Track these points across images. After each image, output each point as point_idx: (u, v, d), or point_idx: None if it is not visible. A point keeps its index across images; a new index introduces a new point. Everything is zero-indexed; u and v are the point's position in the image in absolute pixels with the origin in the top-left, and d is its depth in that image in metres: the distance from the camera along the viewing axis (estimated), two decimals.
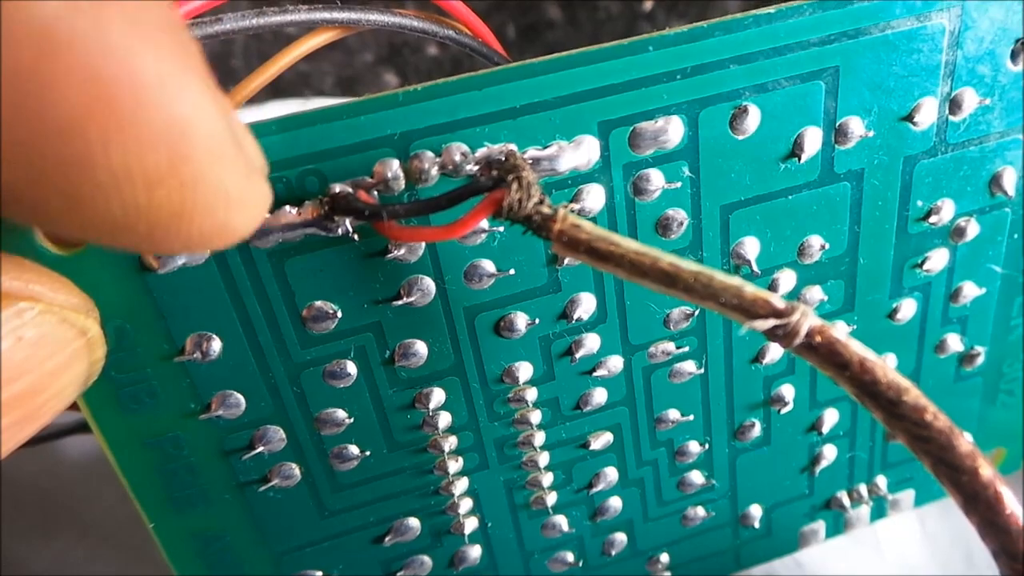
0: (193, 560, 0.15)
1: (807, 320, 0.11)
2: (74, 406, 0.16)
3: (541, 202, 0.12)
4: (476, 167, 0.12)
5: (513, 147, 0.13)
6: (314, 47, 0.13)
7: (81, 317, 0.11)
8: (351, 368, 0.14)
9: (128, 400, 0.13)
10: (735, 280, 0.11)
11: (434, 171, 0.12)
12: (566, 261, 0.14)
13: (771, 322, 0.11)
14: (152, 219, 0.08)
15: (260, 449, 0.14)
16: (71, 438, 0.17)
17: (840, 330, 0.12)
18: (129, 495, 0.14)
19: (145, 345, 0.13)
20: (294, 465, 0.15)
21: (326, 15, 0.13)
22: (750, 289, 0.11)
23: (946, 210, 0.16)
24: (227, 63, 0.21)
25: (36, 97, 0.07)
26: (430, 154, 0.12)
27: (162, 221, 0.08)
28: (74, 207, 0.07)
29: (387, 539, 0.16)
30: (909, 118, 0.15)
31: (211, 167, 0.08)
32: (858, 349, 0.12)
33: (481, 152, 0.12)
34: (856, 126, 0.14)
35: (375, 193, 0.12)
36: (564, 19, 0.23)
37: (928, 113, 0.15)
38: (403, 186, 0.12)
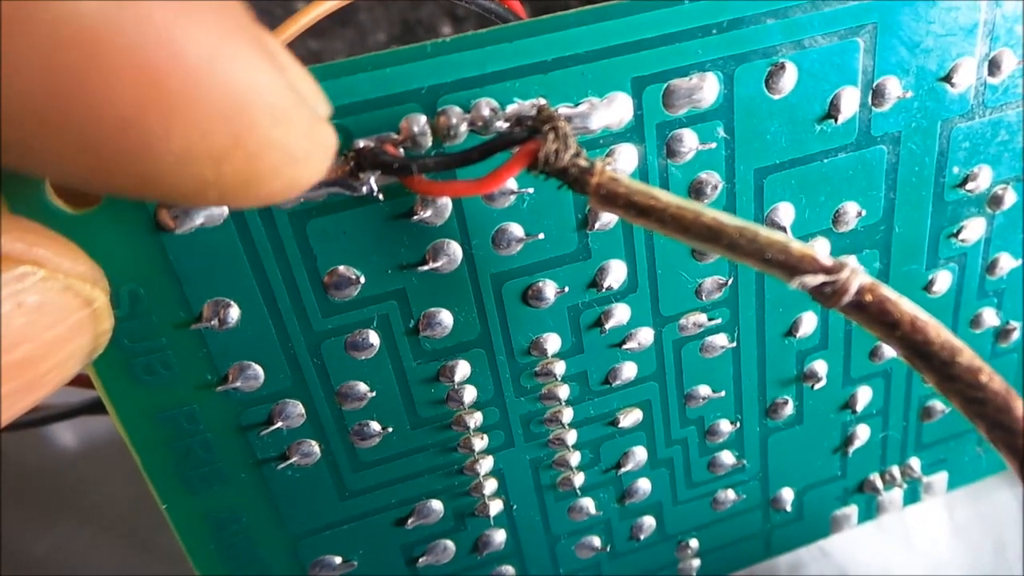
0: (207, 544, 0.14)
1: (857, 278, 0.11)
2: (76, 381, 0.15)
3: (578, 154, 0.11)
4: (506, 124, 0.12)
5: (544, 101, 0.12)
6: (324, 12, 0.13)
7: (87, 286, 0.11)
8: (374, 338, 0.13)
9: (141, 371, 0.12)
10: (780, 235, 0.11)
11: (463, 127, 0.12)
12: (596, 226, 0.13)
13: (820, 278, 0.11)
14: (222, 188, 0.08)
15: (279, 424, 0.13)
16: (72, 422, 0.17)
17: (890, 288, 0.11)
18: (138, 477, 0.13)
19: (160, 311, 0.12)
20: (313, 442, 0.14)
21: None
22: (797, 245, 0.11)
23: (983, 177, 0.15)
24: None
25: (90, 98, 0.06)
26: (458, 109, 0.12)
27: (232, 189, 0.08)
28: (143, 186, 0.07)
29: (409, 521, 0.15)
30: (947, 79, 0.14)
31: (274, 132, 0.08)
32: (909, 308, 0.11)
33: (512, 108, 0.12)
34: (893, 87, 0.14)
35: (401, 150, 0.12)
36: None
37: (966, 74, 0.14)
38: (430, 143, 0.12)
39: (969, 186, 0.15)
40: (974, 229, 0.16)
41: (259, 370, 0.13)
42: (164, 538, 0.14)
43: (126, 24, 0.06)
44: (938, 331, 0.11)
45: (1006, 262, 0.17)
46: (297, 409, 0.13)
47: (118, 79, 0.06)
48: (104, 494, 0.20)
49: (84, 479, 0.21)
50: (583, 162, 0.11)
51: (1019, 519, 0.21)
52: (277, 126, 0.08)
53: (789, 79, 0.13)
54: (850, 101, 0.14)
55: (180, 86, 0.07)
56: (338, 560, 0.15)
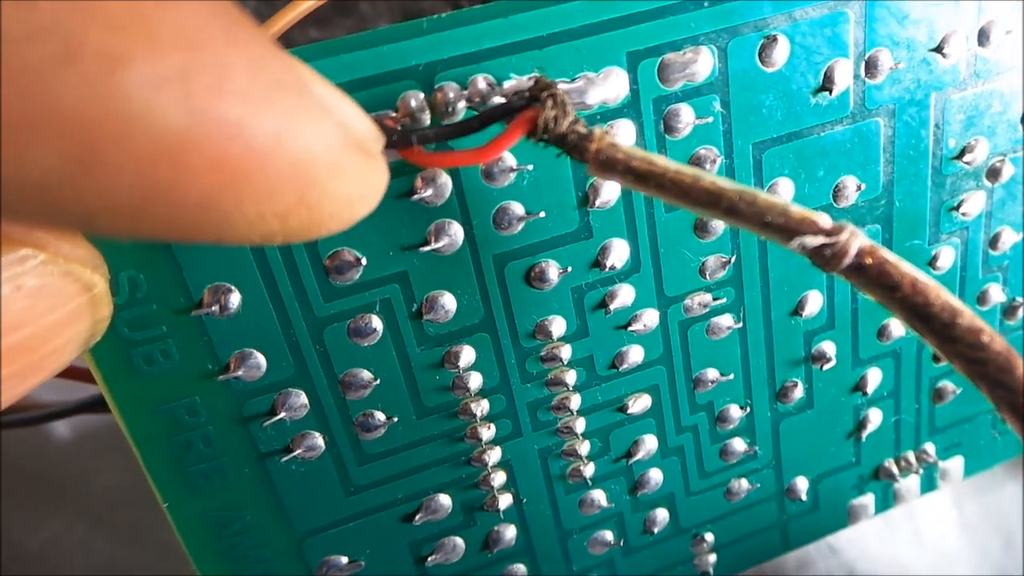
0: (210, 544, 0.14)
1: (856, 240, 0.11)
2: (76, 375, 0.15)
3: (576, 121, 0.11)
4: (503, 99, 0.12)
5: (542, 75, 0.12)
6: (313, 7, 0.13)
7: (87, 271, 0.11)
8: (376, 323, 0.13)
9: (141, 361, 0.12)
10: (779, 199, 0.11)
11: (460, 103, 0.12)
12: (597, 203, 0.13)
13: (820, 239, 0.11)
14: (287, 236, 0.08)
15: (282, 415, 0.13)
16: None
17: (889, 251, 0.11)
18: (134, 471, 0.13)
19: (160, 298, 0.12)
20: (317, 434, 0.14)
21: None
22: (796, 208, 0.11)
23: (980, 149, 0.15)
24: None
25: (173, 192, 0.07)
26: (455, 85, 0.12)
27: (295, 235, 0.08)
28: (216, 241, 0.08)
29: (417, 517, 0.15)
30: (938, 50, 0.14)
31: (333, 183, 0.08)
32: (909, 270, 0.11)
33: (509, 84, 0.12)
34: (885, 58, 0.14)
35: (400, 127, 0.12)
36: None
37: (957, 45, 0.14)
38: (428, 120, 0.12)
39: (967, 158, 0.15)
40: (974, 202, 0.16)
41: (261, 358, 0.13)
42: (160, 532, 0.14)
43: (206, 127, 0.07)
44: (938, 292, 0.11)
45: (1008, 236, 0.17)
46: (300, 399, 0.13)
47: (199, 173, 0.07)
48: (100, 488, 0.20)
49: (80, 473, 0.20)
50: (582, 129, 0.11)
51: None
52: (335, 179, 0.08)
53: (782, 51, 0.13)
54: (843, 73, 0.14)
55: (252, 166, 0.07)
56: (344, 560, 0.15)
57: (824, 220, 0.11)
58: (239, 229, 0.08)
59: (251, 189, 0.08)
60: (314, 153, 0.08)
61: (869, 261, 0.11)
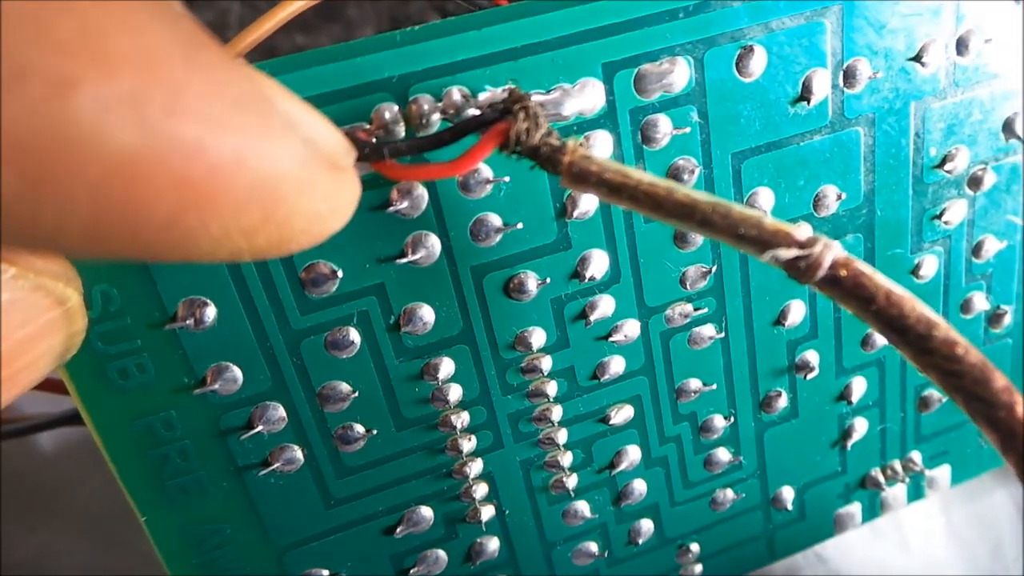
0: (188, 558, 0.14)
1: (830, 252, 0.11)
2: (55, 388, 0.15)
3: (549, 133, 0.11)
4: (478, 111, 0.12)
5: (515, 87, 0.12)
6: (296, 12, 0.13)
7: (60, 285, 0.11)
8: (354, 336, 0.13)
9: (116, 375, 0.12)
10: (754, 211, 0.11)
11: (435, 116, 0.12)
12: (575, 214, 0.13)
13: (793, 252, 0.11)
14: (256, 253, 0.08)
15: (259, 428, 0.13)
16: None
17: (863, 263, 0.11)
18: (116, 481, 0.13)
19: (134, 312, 0.12)
20: (296, 447, 0.14)
21: None
22: (770, 220, 0.11)
23: (961, 157, 0.15)
24: (223, 35, 0.21)
25: (133, 214, 0.07)
26: (430, 97, 0.12)
27: (264, 252, 0.08)
28: (183, 260, 0.08)
29: (398, 530, 0.15)
30: (917, 59, 0.14)
31: (301, 201, 0.08)
32: (883, 282, 0.11)
33: (484, 96, 0.12)
34: (864, 67, 0.14)
35: (374, 139, 0.12)
36: None
37: (936, 54, 0.14)
38: (403, 132, 0.12)
39: (948, 167, 0.15)
40: (956, 211, 0.16)
41: (237, 372, 0.13)
42: (142, 542, 0.13)
43: (162, 149, 0.07)
44: (913, 305, 0.11)
45: (991, 244, 0.17)
46: (278, 412, 0.13)
47: (159, 194, 0.07)
48: (82, 498, 0.20)
49: (63, 484, 0.20)
50: (554, 141, 0.11)
51: (1016, 519, 0.21)
52: (303, 196, 0.08)
53: (759, 62, 0.13)
54: (821, 83, 0.14)
55: (214, 186, 0.07)
56: (325, 573, 0.15)
57: (798, 232, 0.11)
58: (205, 248, 0.08)
59: (215, 208, 0.08)
60: (279, 170, 0.08)
61: (844, 273, 0.11)
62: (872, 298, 0.11)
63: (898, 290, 0.11)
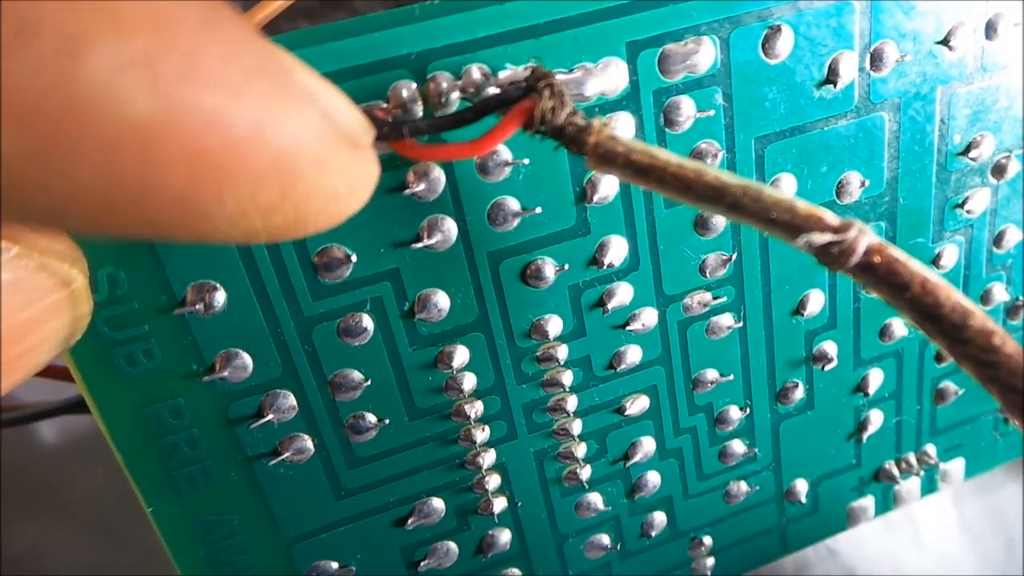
0: (195, 549, 0.13)
1: (865, 237, 0.10)
2: (58, 374, 0.14)
3: (574, 112, 0.11)
4: (499, 90, 0.12)
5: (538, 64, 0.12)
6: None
7: (65, 265, 0.10)
8: (367, 322, 0.13)
9: (123, 361, 0.12)
10: (785, 195, 0.10)
11: (454, 94, 0.11)
12: (595, 199, 0.13)
13: (827, 237, 0.10)
14: (271, 234, 0.08)
15: (269, 417, 0.13)
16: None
17: (898, 249, 0.11)
18: (117, 474, 0.13)
19: (141, 296, 0.12)
20: (306, 437, 0.13)
21: None
22: (803, 204, 0.10)
23: (986, 145, 0.15)
24: None
25: (146, 183, 0.07)
26: (449, 75, 0.11)
27: (281, 233, 0.08)
28: (196, 241, 0.08)
29: (409, 521, 0.14)
30: (945, 42, 0.14)
31: (319, 178, 0.08)
32: (919, 269, 0.10)
33: (504, 74, 0.12)
34: (891, 51, 0.14)
35: (390, 118, 0.11)
36: None
37: (964, 37, 0.14)
38: (421, 111, 0.11)
39: (972, 154, 0.15)
40: (979, 200, 0.16)
41: (247, 358, 0.12)
42: (143, 535, 0.13)
43: (177, 116, 0.07)
44: (949, 293, 0.10)
45: (1013, 234, 0.16)
46: (288, 401, 0.13)
47: (172, 165, 0.07)
48: (83, 491, 0.19)
49: (63, 476, 0.20)
50: (580, 120, 0.11)
51: None
52: (321, 172, 0.08)
53: (786, 43, 0.13)
54: (848, 65, 0.13)
55: (230, 159, 0.07)
56: (335, 565, 0.14)
57: (831, 217, 0.10)
58: (219, 227, 0.07)
59: (231, 183, 0.07)
60: (299, 145, 0.08)
61: (878, 259, 0.10)
62: (907, 285, 0.10)
63: (933, 277, 0.10)
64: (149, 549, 0.14)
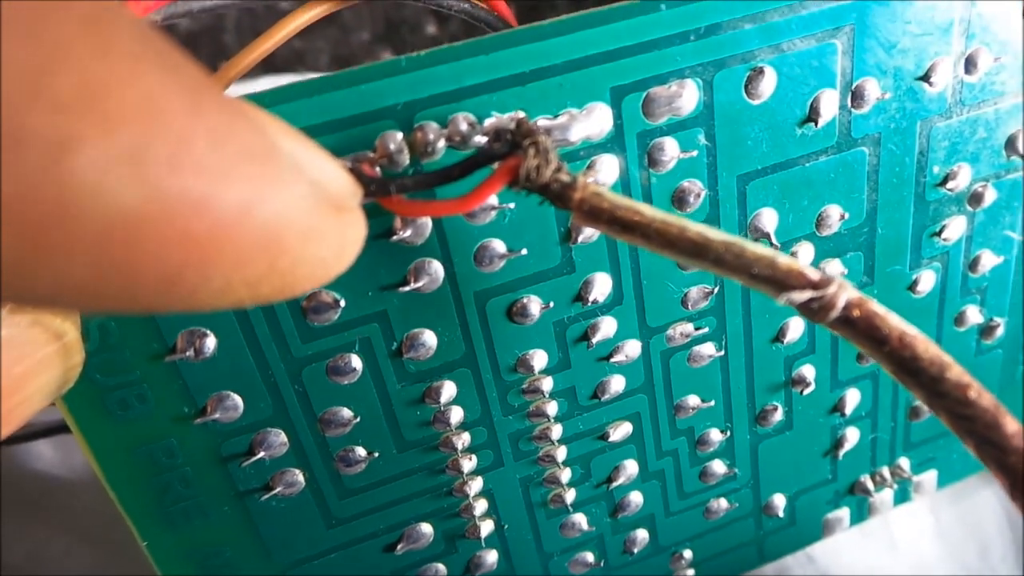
0: None
1: (844, 292, 0.11)
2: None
3: (559, 169, 0.11)
4: (485, 138, 0.12)
5: (523, 115, 0.12)
6: (311, 19, 0.12)
7: (57, 320, 0.10)
8: (356, 362, 0.13)
9: (115, 405, 0.12)
10: (767, 250, 0.11)
11: (440, 143, 0.11)
12: (580, 239, 0.13)
13: (807, 294, 0.11)
14: (258, 301, 0.08)
15: (261, 455, 0.13)
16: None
17: (877, 303, 0.11)
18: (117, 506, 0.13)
19: (132, 344, 0.12)
20: (297, 471, 0.13)
21: None
22: (784, 259, 0.11)
23: (963, 175, 0.15)
24: (219, 38, 0.20)
25: (134, 271, 0.07)
26: (435, 125, 0.11)
27: (267, 299, 0.08)
28: (183, 311, 0.08)
29: (399, 547, 0.15)
30: (925, 78, 0.14)
31: (306, 248, 0.08)
32: (897, 323, 0.11)
33: (490, 122, 0.12)
34: (872, 88, 0.14)
35: (378, 169, 0.11)
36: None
37: (944, 73, 0.14)
38: (407, 160, 0.11)
39: (950, 185, 0.15)
40: (956, 227, 0.16)
41: (238, 400, 0.13)
42: (140, 547, 0.13)
43: (164, 205, 0.07)
44: (926, 346, 0.11)
45: (988, 259, 0.17)
46: (279, 438, 0.13)
47: (160, 251, 0.07)
48: (80, 502, 0.20)
49: (61, 487, 0.20)
50: (565, 177, 0.11)
51: (1002, 519, 0.21)
52: (309, 243, 0.08)
53: (768, 83, 0.13)
54: (829, 104, 0.14)
55: (218, 240, 0.07)
56: None
57: (812, 272, 0.11)
58: (206, 301, 0.08)
59: (218, 263, 0.07)
60: (286, 220, 0.08)
61: (857, 314, 0.11)
62: (885, 339, 0.11)
63: (911, 331, 0.11)
64: (144, 558, 0.14)
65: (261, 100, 0.11)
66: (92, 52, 0.06)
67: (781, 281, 0.11)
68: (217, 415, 0.12)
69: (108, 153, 0.06)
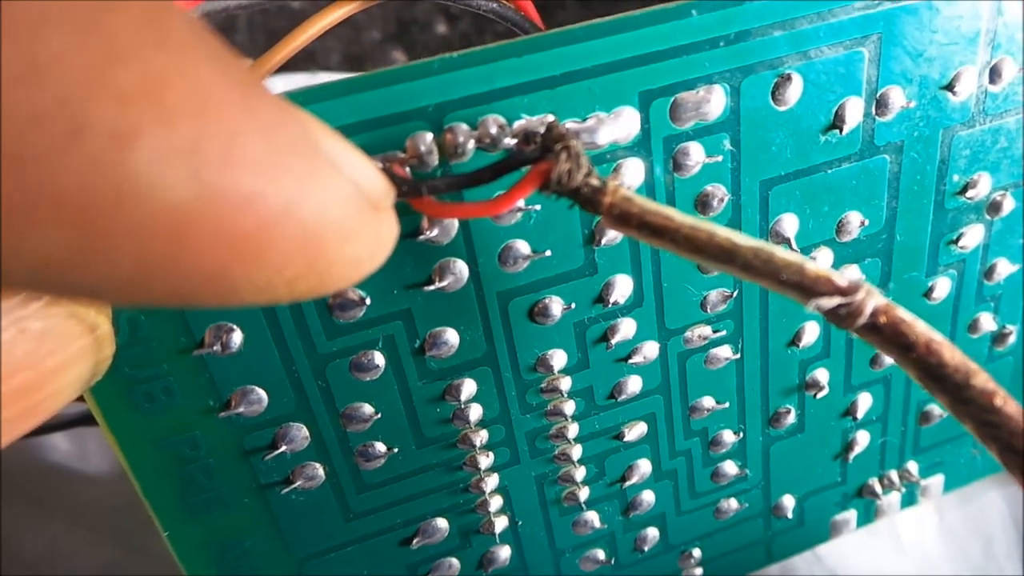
0: (209, 568, 0.14)
1: (872, 299, 0.11)
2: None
3: (590, 173, 0.11)
4: (514, 140, 0.12)
5: (552, 118, 0.12)
6: (340, 18, 0.12)
7: (91, 312, 0.10)
8: (379, 359, 0.13)
9: (142, 398, 0.12)
10: (795, 256, 0.11)
11: (470, 145, 0.11)
12: (603, 241, 0.13)
13: (835, 300, 0.11)
14: (294, 297, 0.08)
15: (283, 448, 0.13)
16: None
17: (904, 310, 0.11)
18: (129, 483, 0.13)
19: (161, 338, 0.12)
20: (318, 465, 0.14)
21: None
22: (812, 266, 0.11)
23: (982, 184, 0.15)
24: (231, 38, 0.20)
25: (178, 268, 0.07)
26: (465, 127, 0.11)
27: (303, 296, 0.08)
28: (221, 306, 0.08)
29: (414, 541, 0.15)
30: (949, 87, 0.14)
31: (344, 248, 0.08)
32: (924, 330, 0.11)
33: (519, 124, 0.12)
34: (897, 96, 0.14)
35: (407, 169, 0.11)
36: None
37: (968, 82, 0.14)
38: (437, 161, 0.11)
39: (969, 193, 0.15)
40: (973, 235, 0.16)
41: (262, 394, 0.13)
42: (154, 540, 0.13)
43: (214, 200, 0.07)
44: (953, 353, 0.11)
45: (1003, 267, 0.17)
46: (301, 432, 0.13)
47: (206, 247, 0.07)
48: (95, 495, 0.20)
49: (76, 479, 0.20)
50: (595, 181, 0.11)
51: (1008, 520, 0.21)
52: (347, 242, 0.08)
53: (795, 90, 0.13)
54: (854, 111, 0.14)
55: (262, 239, 0.07)
56: None
57: (840, 278, 0.11)
58: (245, 297, 0.08)
59: (261, 261, 0.07)
60: (326, 217, 0.08)
61: (884, 320, 0.11)
62: (912, 346, 0.11)
63: (938, 337, 0.11)
64: (158, 551, 0.14)
65: (294, 99, 0.11)
66: (151, 45, 0.06)
67: (810, 287, 0.11)
68: (241, 409, 0.13)
69: (167, 145, 0.06)
